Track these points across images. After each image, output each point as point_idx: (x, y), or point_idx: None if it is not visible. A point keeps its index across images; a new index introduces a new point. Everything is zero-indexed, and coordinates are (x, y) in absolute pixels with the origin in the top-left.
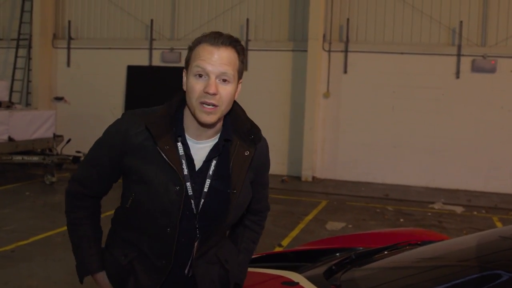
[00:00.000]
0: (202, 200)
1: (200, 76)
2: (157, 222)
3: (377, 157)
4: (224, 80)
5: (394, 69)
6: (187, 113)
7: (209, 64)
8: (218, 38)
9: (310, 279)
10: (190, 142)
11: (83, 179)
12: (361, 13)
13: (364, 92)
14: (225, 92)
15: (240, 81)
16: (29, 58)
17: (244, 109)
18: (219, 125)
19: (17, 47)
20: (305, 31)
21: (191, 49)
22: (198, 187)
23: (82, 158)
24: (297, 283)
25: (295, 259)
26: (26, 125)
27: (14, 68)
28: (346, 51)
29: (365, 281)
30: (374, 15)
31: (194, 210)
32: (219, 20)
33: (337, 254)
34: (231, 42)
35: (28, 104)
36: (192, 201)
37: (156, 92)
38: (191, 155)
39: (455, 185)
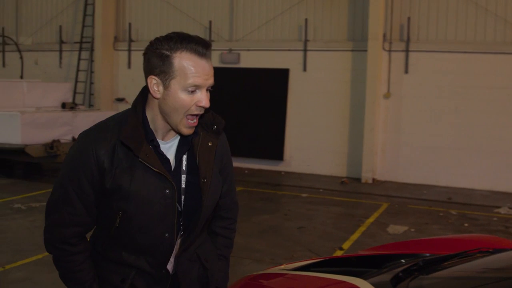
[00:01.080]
0: (183, 196)
1: (193, 92)
2: (154, 231)
3: (439, 159)
4: (207, 90)
5: (457, 69)
6: (155, 117)
7: (204, 80)
8: (200, 46)
9: (377, 286)
10: (160, 144)
11: (70, 220)
12: (422, 12)
13: (425, 93)
14: (208, 99)
15: None
16: (91, 60)
17: (302, 110)
18: None
19: (80, 50)
20: (365, 31)
21: (167, 57)
22: (177, 185)
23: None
24: None
25: (359, 264)
26: (89, 126)
27: (77, 70)
28: (407, 50)
29: None
30: (436, 13)
31: (179, 207)
32: (277, 20)
33: (402, 260)
34: (210, 50)
35: (91, 105)
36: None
37: (216, 93)
38: (166, 155)
39: None
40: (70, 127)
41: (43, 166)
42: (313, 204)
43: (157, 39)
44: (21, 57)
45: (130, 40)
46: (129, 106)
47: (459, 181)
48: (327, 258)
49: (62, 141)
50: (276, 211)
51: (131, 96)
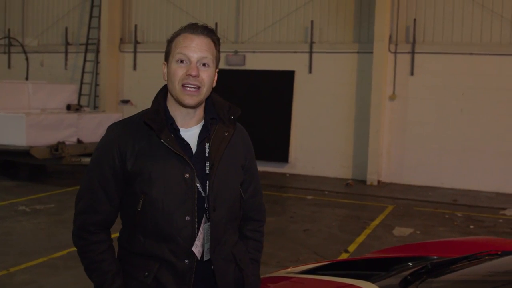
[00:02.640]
0: (208, 182)
1: (182, 61)
2: (175, 214)
3: (445, 161)
4: (204, 64)
5: (463, 71)
6: (171, 104)
7: (190, 50)
8: (196, 28)
9: None
10: (181, 131)
11: (91, 207)
12: (428, 13)
13: (431, 95)
14: (206, 74)
15: (217, 70)
16: (97, 62)
17: (308, 112)
18: (202, 110)
19: (85, 52)
20: (371, 33)
21: (170, 41)
22: (199, 171)
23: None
24: None
25: (366, 267)
26: (94, 128)
27: (83, 72)
28: (413, 52)
29: None
30: (442, 15)
31: (203, 193)
32: (283, 22)
33: (409, 263)
34: (209, 32)
35: (96, 107)
36: (198, 185)
37: (221, 95)
38: (187, 141)
39: None
40: (75, 129)
41: (48, 168)
42: (319, 206)
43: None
44: (27, 59)
45: (136, 42)
46: (134, 108)
47: (464, 183)
48: (334, 261)
49: (67, 143)
50: (281, 213)
51: (137, 98)
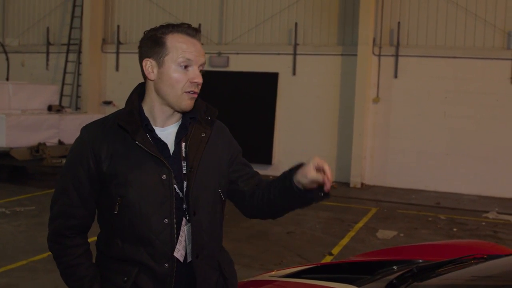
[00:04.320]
0: (185, 183)
1: (186, 67)
2: (153, 217)
3: (428, 164)
4: (201, 70)
5: (446, 74)
6: (150, 105)
7: (194, 55)
8: (190, 29)
9: None
10: (157, 131)
11: (66, 211)
12: (412, 17)
13: (415, 98)
14: (201, 79)
15: None
16: (79, 62)
17: (291, 114)
18: None
19: (67, 52)
20: (355, 35)
21: (160, 38)
22: (176, 172)
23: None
24: None
25: (350, 271)
26: (76, 129)
27: (64, 72)
28: (396, 55)
29: None
30: (426, 18)
31: (180, 194)
32: (267, 24)
33: (394, 267)
34: (198, 33)
35: (77, 108)
36: (176, 186)
37: (204, 97)
38: (163, 141)
39: (509, 194)
40: (56, 130)
41: (29, 169)
42: (302, 209)
43: (150, 29)
44: (7, 59)
45: (119, 43)
46: (116, 109)
47: (447, 186)
48: (318, 265)
49: (48, 144)
50: None
51: (119, 99)
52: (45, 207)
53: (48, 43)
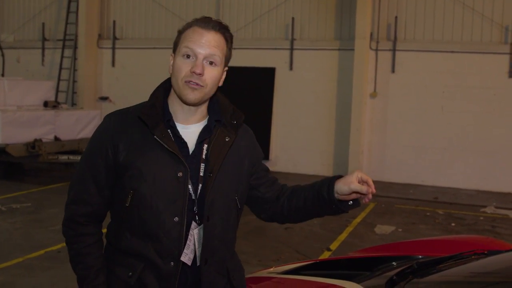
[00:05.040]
0: (200, 185)
1: (188, 56)
2: (163, 214)
3: (425, 159)
4: (211, 63)
5: (443, 69)
6: (172, 99)
7: (198, 45)
8: (208, 23)
9: None
10: (180, 128)
11: (81, 197)
12: (409, 11)
13: (412, 92)
14: (211, 74)
15: (226, 68)
16: (74, 58)
17: (288, 109)
18: (205, 108)
19: (63, 48)
20: (352, 30)
21: (180, 32)
22: (193, 172)
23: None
24: None
25: (350, 267)
26: (72, 125)
27: (60, 68)
28: (394, 50)
29: None
30: (423, 12)
31: (193, 195)
32: (264, 18)
33: (394, 263)
34: (221, 28)
35: (73, 104)
36: (190, 186)
37: None
38: (184, 139)
39: (507, 189)
40: (52, 126)
41: (25, 166)
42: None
43: None
44: (3, 55)
45: (115, 38)
46: (113, 105)
47: (445, 181)
48: (317, 261)
49: (44, 140)
50: None
51: (115, 95)
52: (42, 204)
53: (44, 39)
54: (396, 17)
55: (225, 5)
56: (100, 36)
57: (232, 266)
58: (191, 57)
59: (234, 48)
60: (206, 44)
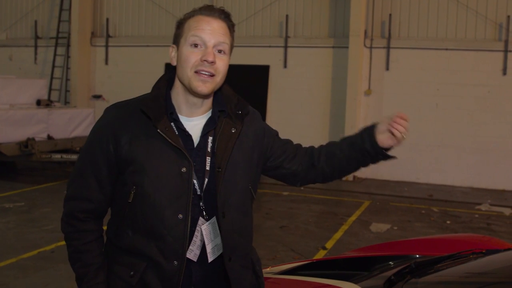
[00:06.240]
0: (206, 179)
1: (196, 45)
2: (167, 211)
3: (420, 157)
4: (220, 51)
5: (438, 66)
6: (176, 92)
7: (206, 33)
8: (213, 10)
9: None
10: (183, 120)
11: (81, 193)
12: (403, 8)
13: (406, 90)
14: (222, 63)
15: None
16: (67, 56)
17: (282, 107)
18: (210, 100)
19: (56, 46)
20: (346, 27)
21: (181, 23)
22: (199, 166)
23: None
24: None
25: (347, 267)
26: (65, 123)
27: (53, 66)
28: (388, 47)
29: None
30: (417, 10)
31: (198, 190)
32: (257, 16)
33: (391, 262)
34: (226, 16)
35: (66, 102)
36: (195, 181)
37: None
38: (188, 132)
39: (501, 186)
40: (45, 125)
41: (18, 165)
42: (295, 203)
43: None
44: None
45: (108, 36)
46: (106, 103)
47: (439, 178)
48: (314, 261)
49: (37, 139)
50: (257, 209)
51: (109, 93)
52: (35, 203)
53: (36, 37)
54: (390, 15)
55: (218, 2)
56: (93, 34)
57: (255, 257)
58: (199, 46)
59: None
60: (215, 31)
